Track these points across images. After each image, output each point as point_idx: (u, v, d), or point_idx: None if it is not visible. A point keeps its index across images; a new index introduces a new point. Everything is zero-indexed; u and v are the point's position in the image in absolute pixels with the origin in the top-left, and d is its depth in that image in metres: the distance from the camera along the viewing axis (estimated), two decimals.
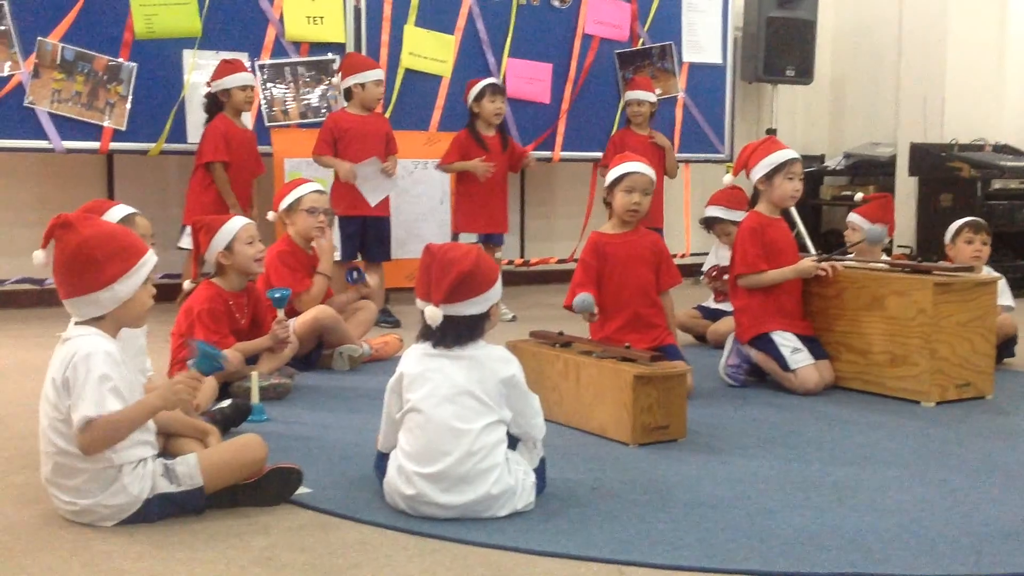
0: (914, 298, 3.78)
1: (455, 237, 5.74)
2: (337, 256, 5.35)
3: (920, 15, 7.55)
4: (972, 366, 3.83)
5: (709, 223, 5.25)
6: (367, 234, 5.51)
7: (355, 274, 4.52)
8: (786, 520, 2.50)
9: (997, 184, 6.91)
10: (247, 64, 5.78)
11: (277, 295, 3.80)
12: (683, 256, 7.30)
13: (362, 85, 5.46)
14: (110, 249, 2.41)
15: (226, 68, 5.50)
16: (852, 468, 2.96)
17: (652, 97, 6.25)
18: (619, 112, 7.04)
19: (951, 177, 6.90)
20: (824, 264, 4.07)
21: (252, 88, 5.55)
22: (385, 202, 5.61)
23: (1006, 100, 7.50)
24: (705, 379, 4.14)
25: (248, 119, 5.83)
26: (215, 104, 5.52)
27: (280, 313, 3.82)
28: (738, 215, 5.03)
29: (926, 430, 3.42)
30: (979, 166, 6.86)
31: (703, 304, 5.28)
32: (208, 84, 5.56)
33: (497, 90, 5.68)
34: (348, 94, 5.53)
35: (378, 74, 5.53)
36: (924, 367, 3.75)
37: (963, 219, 4.70)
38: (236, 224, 3.80)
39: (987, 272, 4.49)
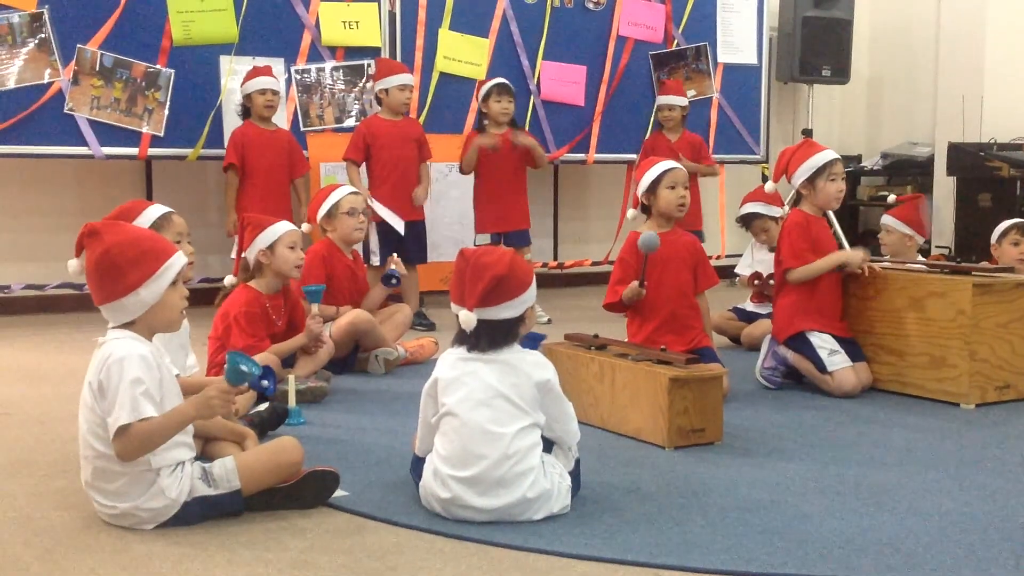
0: (953, 299, 3.74)
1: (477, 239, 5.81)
2: (376, 260, 5.40)
3: (958, 13, 7.46)
4: (1012, 368, 3.79)
5: (747, 220, 5.22)
6: (405, 236, 5.54)
7: (393, 280, 4.53)
8: (824, 524, 2.48)
9: None
10: (282, 69, 5.83)
11: (313, 289, 3.85)
12: (719, 257, 7.26)
13: (386, 91, 5.50)
14: (132, 255, 2.44)
15: (251, 73, 5.59)
16: (890, 471, 2.94)
17: (683, 101, 6.24)
18: (653, 114, 7.02)
19: (990, 177, 6.82)
20: (864, 264, 4.04)
21: (273, 92, 5.57)
22: (421, 207, 5.65)
23: None
24: (741, 381, 4.12)
25: (284, 121, 5.89)
26: (245, 110, 5.63)
27: (314, 308, 3.85)
28: (775, 211, 5.02)
29: (965, 433, 3.39)
30: (1018, 165, 6.77)
31: (738, 306, 5.25)
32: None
33: (504, 90, 5.66)
34: (379, 100, 5.59)
35: (402, 79, 5.54)
36: (963, 369, 3.71)
37: (1011, 220, 4.70)
38: (282, 227, 3.86)
39: None
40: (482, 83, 5.71)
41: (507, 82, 5.75)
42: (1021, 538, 2.37)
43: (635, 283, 3.78)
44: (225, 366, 2.49)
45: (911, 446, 3.22)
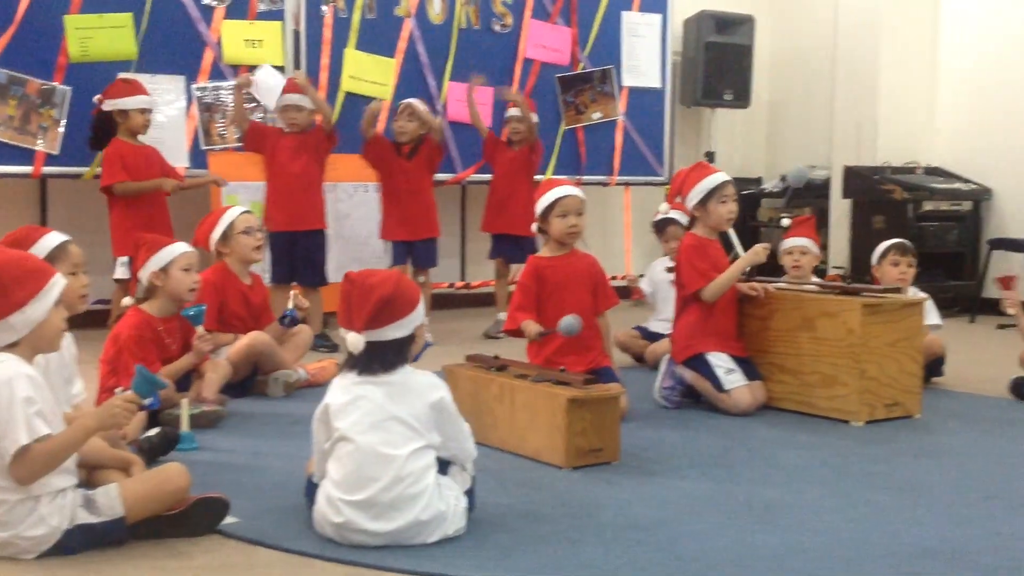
0: (843, 319, 3.84)
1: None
2: (268, 281, 5.34)
3: (853, 42, 7.69)
4: (900, 386, 3.90)
5: (662, 225, 5.24)
6: (297, 253, 5.49)
7: (287, 319, 4.46)
8: (714, 541, 2.52)
9: (928, 206, 7.05)
10: (182, 87, 5.76)
11: (192, 312, 3.74)
12: (623, 278, 7.33)
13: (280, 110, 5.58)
14: (16, 274, 2.40)
15: (125, 88, 5.33)
16: (781, 488, 3.00)
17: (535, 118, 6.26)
18: (559, 136, 7.10)
19: (883, 199, 7.02)
20: (756, 284, 4.12)
21: (151, 112, 5.42)
22: (319, 214, 5.60)
23: (937, 124, 7.66)
24: (641, 401, 4.16)
25: (184, 139, 5.81)
26: (106, 125, 5.32)
27: (199, 329, 3.78)
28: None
29: (855, 450, 3.48)
30: (910, 188, 7.00)
31: (642, 325, 5.32)
32: (99, 100, 5.36)
33: (402, 110, 5.76)
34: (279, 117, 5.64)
35: (287, 99, 5.56)
36: (853, 387, 3.81)
37: (889, 241, 4.77)
38: (178, 248, 3.79)
39: (913, 293, 4.57)
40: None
41: (414, 101, 5.79)
42: (905, 553, 2.44)
43: (534, 332, 3.79)
44: (134, 378, 2.46)
45: (802, 463, 3.30)
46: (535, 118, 6.18)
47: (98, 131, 5.35)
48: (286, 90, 5.58)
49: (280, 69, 6.10)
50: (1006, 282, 4.44)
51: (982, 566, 2.36)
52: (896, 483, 3.06)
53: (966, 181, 7.30)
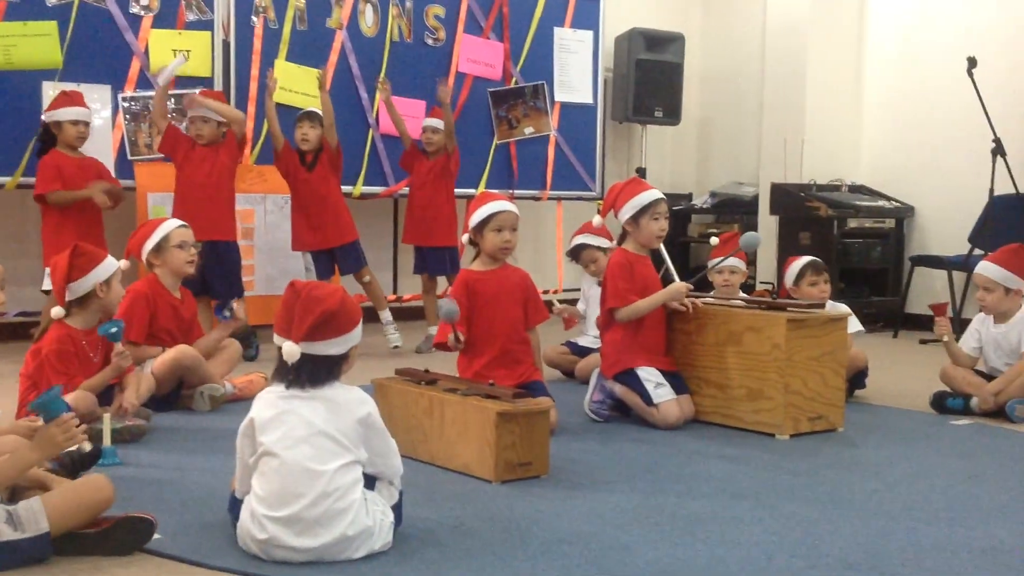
0: (769, 334, 3.90)
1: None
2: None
3: (781, 62, 7.84)
4: (824, 399, 3.96)
5: (576, 252, 5.32)
6: (206, 265, 5.43)
7: (227, 312, 4.41)
8: (640, 554, 2.54)
9: (852, 223, 7.20)
10: (108, 96, 5.67)
11: (112, 330, 3.63)
12: (556, 292, 7.38)
13: (191, 120, 5.51)
14: None
15: (62, 100, 5.34)
16: (707, 501, 3.03)
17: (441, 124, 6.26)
18: (492, 150, 7.11)
19: (810, 216, 7.16)
20: (685, 300, 4.17)
21: (85, 123, 5.37)
22: (228, 225, 5.55)
23: (862, 143, 7.84)
24: (571, 415, 4.18)
25: (110, 150, 5.71)
26: (49, 136, 5.35)
27: (117, 346, 3.70)
28: (604, 242, 5.13)
29: (779, 463, 3.52)
30: (836, 206, 7.14)
31: (572, 340, 5.35)
32: (44, 113, 5.40)
33: (304, 117, 5.74)
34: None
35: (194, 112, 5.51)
36: (778, 401, 3.87)
37: (800, 262, 4.78)
38: (114, 264, 3.73)
39: (831, 305, 4.64)
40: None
41: (312, 110, 5.76)
42: (826, 565, 2.48)
43: (451, 337, 3.79)
44: (41, 396, 2.43)
45: (728, 476, 3.33)
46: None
47: (43, 142, 5.38)
48: (190, 104, 5.53)
49: (209, 80, 6.03)
50: (939, 309, 4.51)
51: None
52: (819, 495, 3.11)
53: (889, 199, 7.47)
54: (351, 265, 5.87)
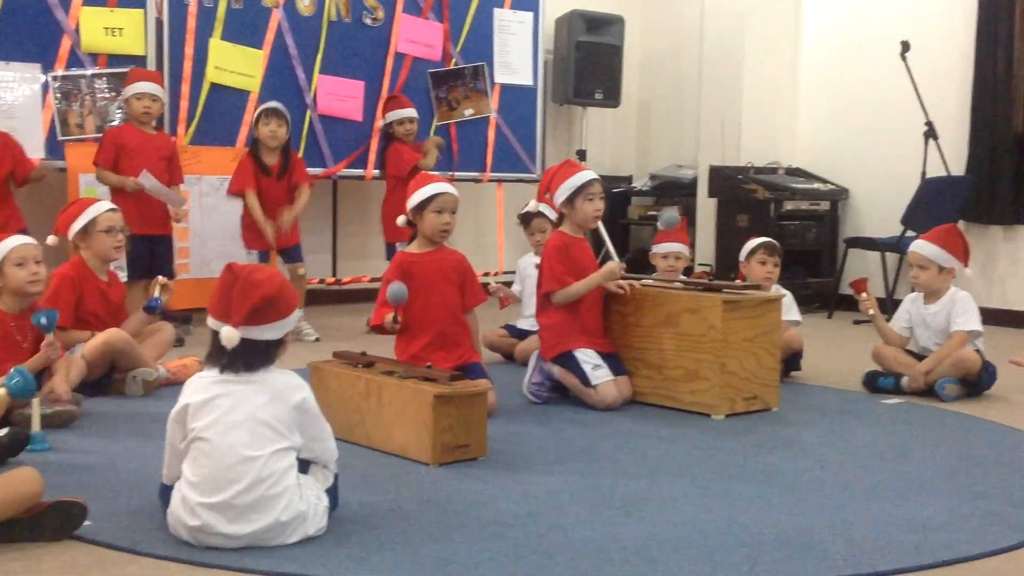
0: (705, 315, 3.94)
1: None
2: (124, 276, 5.21)
3: (718, 45, 7.89)
4: (758, 379, 4.01)
5: (527, 217, 5.24)
6: (155, 253, 5.38)
7: (157, 311, 4.33)
8: (576, 534, 2.55)
9: (789, 205, 7.27)
10: (39, 74, 5.54)
11: (43, 320, 3.52)
12: (496, 274, 7.38)
13: (126, 100, 5.33)
14: None
15: None
16: (643, 481, 3.06)
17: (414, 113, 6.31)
18: (432, 132, 7.06)
19: (747, 199, 7.23)
20: (622, 282, 4.18)
21: None
22: (166, 219, 5.47)
23: (798, 126, 7.92)
24: (510, 397, 4.18)
25: (40, 128, 5.58)
26: None
27: (48, 336, 3.61)
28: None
29: (715, 442, 3.56)
30: (772, 188, 7.22)
31: (511, 323, 5.35)
32: None
33: (271, 113, 5.63)
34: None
35: (141, 87, 5.35)
36: (714, 381, 3.91)
37: (758, 240, 4.88)
38: (8, 244, 3.63)
39: (776, 291, 4.71)
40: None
41: (277, 106, 5.69)
42: (758, 543, 2.51)
43: (389, 318, 3.78)
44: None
45: (664, 456, 3.36)
46: None
47: None
48: (136, 78, 5.41)
49: (142, 59, 5.92)
50: (858, 285, 4.60)
51: (832, 553, 2.44)
52: (753, 474, 3.15)
53: (824, 182, 7.57)
54: (292, 258, 5.83)
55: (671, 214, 4.42)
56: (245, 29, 6.31)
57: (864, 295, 4.56)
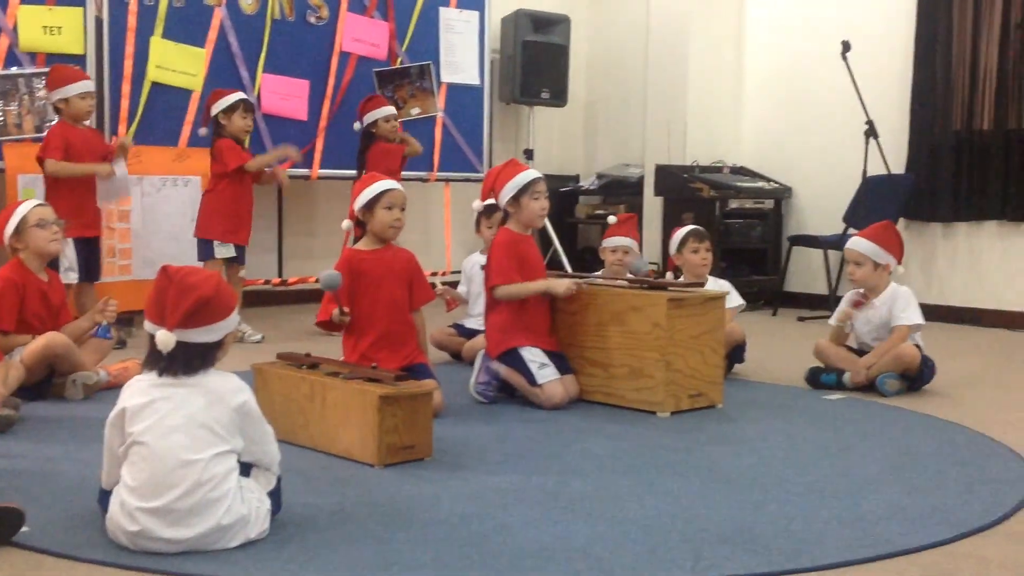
0: (650, 313, 3.96)
1: (207, 244, 5.61)
2: (75, 278, 5.13)
3: (664, 46, 7.95)
4: (703, 377, 4.04)
5: (491, 209, 5.16)
6: (88, 256, 5.31)
7: (107, 336, 4.28)
8: (521, 534, 2.55)
9: (734, 204, 7.35)
10: None
11: None
12: (444, 274, 7.37)
13: (66, 100, 5.21)
14: None
15: None
16: (589, 479, 3.06)
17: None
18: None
19: (692, 197, 7.29)
20: (570, 283, 4.19)
21: None
22: (97, 220, 5.40)
23: (742, 125, 8.00)
24: (457, 397, 4.18)
25: None
26: None
27: None
28: None
29: (660, 439, 3.59)
30: (717, 187, 7.29)
31: (458, 322, 5.34)
32: None
33: (250, 107, 5.66)
34: (57, 110, 5.26)
35: (83, 86, 5.25)
36: (659, 379, 3.93)
37: (685, 229, 4.88)
38: None
39: (712, 282, 4.74)
40: (221, 92, 5.63)
41: (251, 99, 5.71)
42: (700, 539, 2.53)
43: (336, 311, 3.76)
44: None
45: (609, 454, 3.38)
46: None
47: None
48: (76, 76, 5.33)
49: (81, 58, 5.82)
50: (858, 304, 4.53)
51: (773, 549, 2.47)
52: (697, 471, 3.17)
53: (768, 180, 7.66)
54: (243, 257, 5.79)
55: (639, 263, 4.49)
56: (187, 27, 6.23)
57: (852, 311, 4.53)
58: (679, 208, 7.42)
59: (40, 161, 5.17)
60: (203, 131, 5.71)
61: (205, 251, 5.61)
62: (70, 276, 5.12)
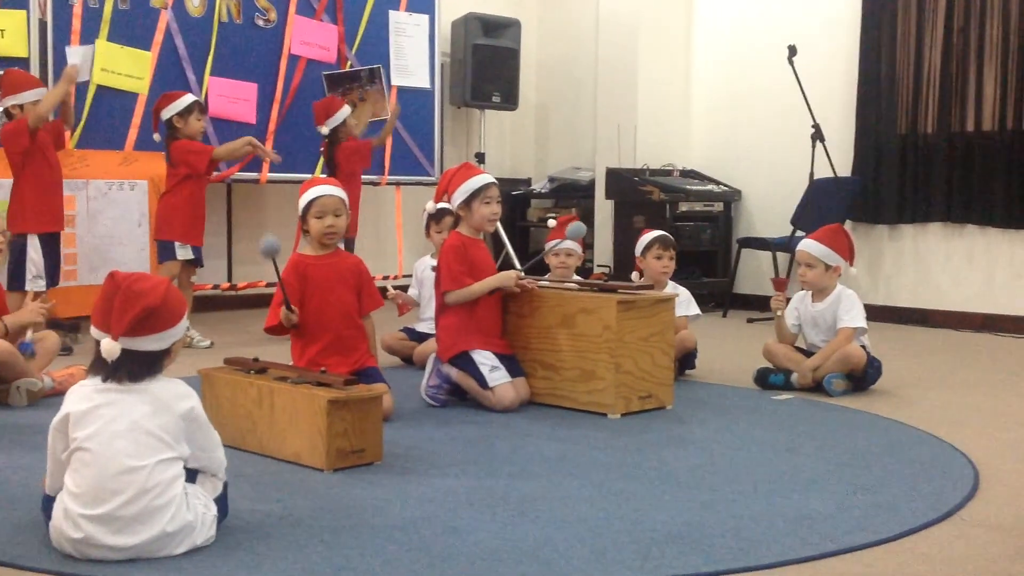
0: (600, 315, 3.97)
1: (167, 246, 5.56)
2: (43, 285, 5.08)
3: (613, 50, 7.99)
4: (653, 378, 4.07)
5: (442, 212, 5.16)
6: (56, 255, 5.25)
7: (26, 347, 4.20)
8: (470, 537, 2.55)
9: (684, 207, 7.40)
10: None
11: None
12: (396, 277, 7.35)
13: (20, 107, 5.14)
14: None
15: None
16: (539, 481, 3.07)
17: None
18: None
19: (643, 200, 7.33)
20: (522, 281, 4.20)
21: None
22: (61, 215, 5.34)
23: (692, 129, 8.07)
24: (408, 400, 4.17)
25: None
26: None
27: None
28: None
29: (610, 441, 3.60)
30: (668, 190, 7.34)
31: (409, 326, 5.33)
32: None
33: (204, 108, 5.68)
34: (8, 115, 5.19)
35: (37, 94, 5.19)
36: (610, 381, 3.95)
37: (652, 234, 4.92)
38: None
39: (672, 287, 4.78)
40: (172, 95, 5.58)
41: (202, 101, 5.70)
42: (649, 539, 2.54)
43: (284, 310, 3.73)
44: None
45: (560, 456, 3.38)
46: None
47: None
48: (31, 84, 5.25)
49: (24, 61, 5.73)
50: (779, 284, 4.65)
51: (721, 547, 2.48)
52: (646, 472, 3.19)
53: (718, 183, 7.73)
54: (198, 262, 5.77)
55: (576, 226, 4.48)
56: (133, 30, 6.17)
57: (780, 294, 4.62)
58: (630, 211, 7.46)
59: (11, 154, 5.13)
60: (157, 137, 5.65)
61: (165, 253, 5.59)
62: (38, 284, 5.06)
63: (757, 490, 2.99)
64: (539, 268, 4.76)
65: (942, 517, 2.75)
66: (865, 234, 7.07)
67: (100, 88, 6.02)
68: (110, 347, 2.35)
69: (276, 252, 3.64)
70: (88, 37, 5.97)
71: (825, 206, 6.61)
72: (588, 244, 7.40)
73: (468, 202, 4.19)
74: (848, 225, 6.89)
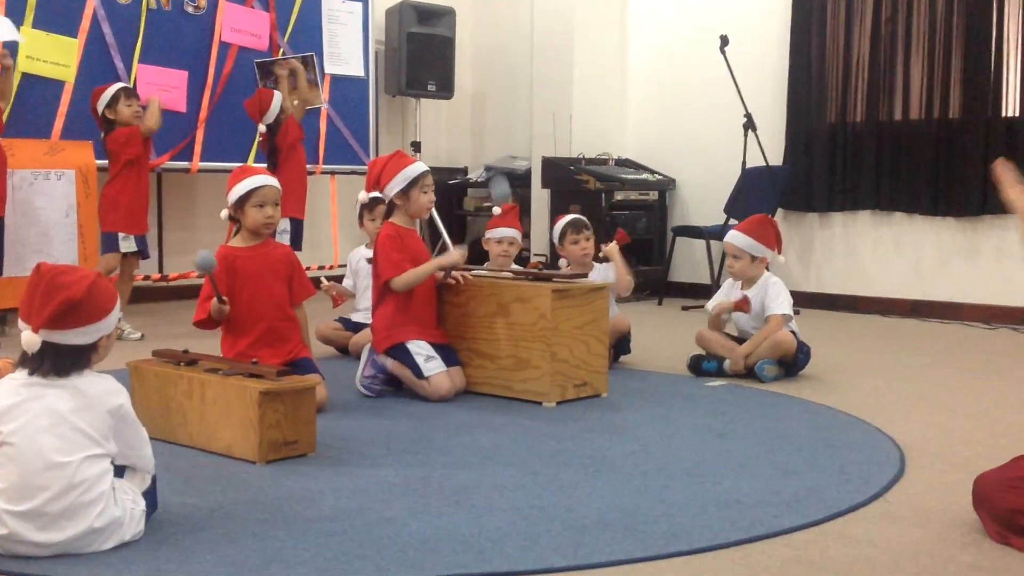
0: (535, 304, 3.98)
1: (111, 237, 5.51)
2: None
3: (549, 39, 8.00)
4: (588, 367, 4.09)
5: (374, 202, 5.07)
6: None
7: None
8: (404, 527, 2.54)
9: (619, 196, 7.44)
10: None
11: None
12: (331, 268, 7.30)
13: None
14: None
15: None
16: (473, 470, 3.07)
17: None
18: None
19: (579, 189, 7.35)
20: (456, 273, 4.20)
21: None
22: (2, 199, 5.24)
23: (627, 118, 8.11)
24: (343, 391, 4.14)
25: None
26: None
27: None
28: None
29: (545, 429, 3.61)
30: (603, 179, 7.37)
31: (344, 316, 5.29)
32: None
33: (132, 93, 5.56)
34: None
35: None
36: (545, 369, 3.96)
37: (563, 221, 4.90)
38: None
39: (597, 268, 4.79)
40: (101, 89, 5.49)
41: (130, 85, 5.65)
42: (582, 526, 2.55)
43: (214, 302, 3.69)
44: None
45: (495, 445, 3.39)
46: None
47: None
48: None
49: None
50: (742, 304, 4.56)
51: (653, 533, 2.51)
52: (581, 459, 3.21)
53: (653, 172, 7.78)
54: (143, 253, 5.74)
55: (501, 188, 4.47)
56: (58, 17, 6.04)
57: (737, 312, 4.59)
58: (566, 200, 7.45)
59: None
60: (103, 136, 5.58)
61: (108, 244, 5.54)
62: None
63: (689, 475, 3.02)
64: (479, 256, 4.76)
65: (868, 500, 2.80)
66: (796, 222, 7.17)
67: (26, 76, 5.88)
68: (29, 339, 2.32)
69: (212, 268, 3.60)
70: (13, 23, 5.81)
71: (757, 195, 6.69)
72: (525, 233, 7.39)
73: (406, 191, 4.17)
74: (779, 213, 6.99)
